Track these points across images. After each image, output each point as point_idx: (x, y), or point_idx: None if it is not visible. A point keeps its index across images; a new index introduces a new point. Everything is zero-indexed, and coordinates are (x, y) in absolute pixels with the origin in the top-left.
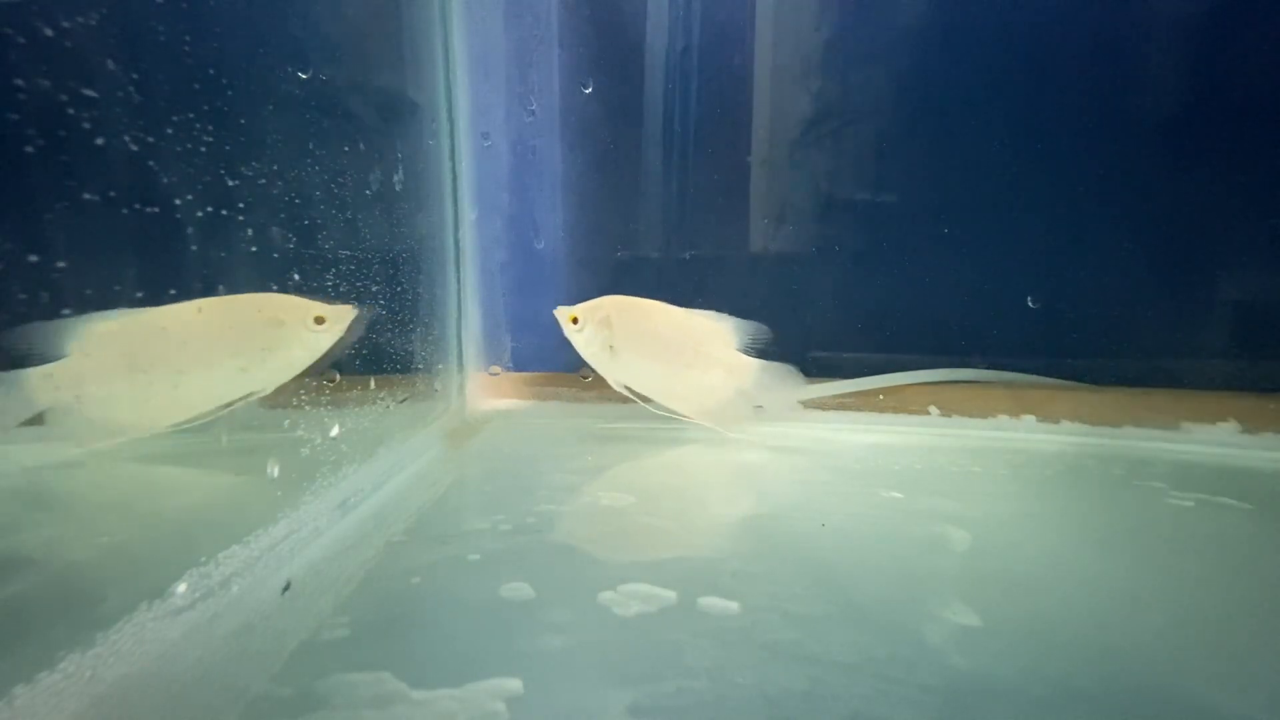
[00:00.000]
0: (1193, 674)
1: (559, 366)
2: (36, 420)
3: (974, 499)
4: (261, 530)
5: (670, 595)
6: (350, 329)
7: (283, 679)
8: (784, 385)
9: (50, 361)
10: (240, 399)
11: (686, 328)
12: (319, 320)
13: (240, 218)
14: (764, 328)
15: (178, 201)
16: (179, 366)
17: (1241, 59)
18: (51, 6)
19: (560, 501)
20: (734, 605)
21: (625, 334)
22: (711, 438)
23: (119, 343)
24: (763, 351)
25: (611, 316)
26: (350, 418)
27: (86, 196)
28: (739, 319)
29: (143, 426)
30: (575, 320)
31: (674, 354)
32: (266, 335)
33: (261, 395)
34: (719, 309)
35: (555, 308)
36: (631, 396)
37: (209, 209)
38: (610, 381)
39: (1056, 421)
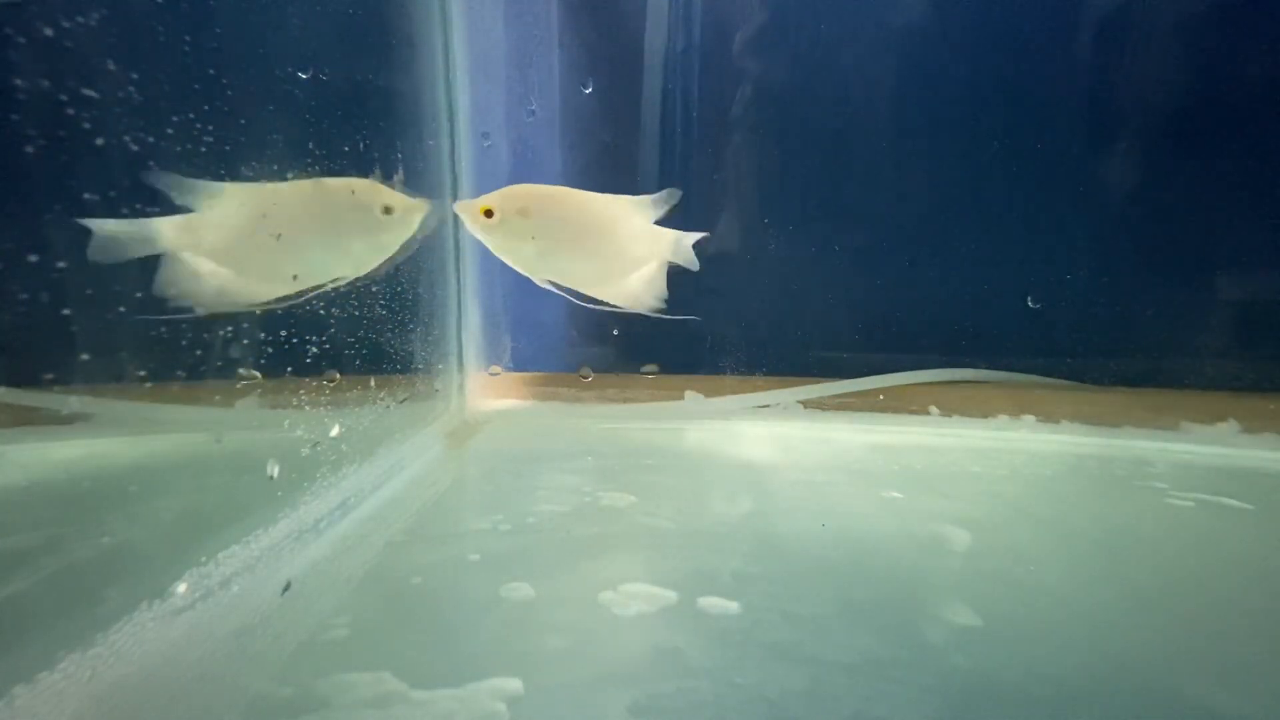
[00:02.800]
0: (1193, 674)
1: (559, 366)
2: (41, 418)
3: (974, 499)
4: (261, 530)
5: (670, 595)
6: (423, 226)
7: (283, 679)
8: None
9: (181, 213)
10: (331, 282)
11: (602, 209)
12: (386, 210)
13: None
14: (675, 191)
15: (178, 202)
16: (288, 239)
17: (1241, 59)
18: (51, 6)
19: (560, 501)
20: (734, 605)
21: (546, 222)
22: (712, 438)
23: (245, 207)
24: (674, 221)
25: (530, 206)
26: (350, 417)
27: (86, 196)
28: (647, 195)
29: (250, 296)
30: (489, 213)
31: (595, 238)
32: (353, 219)
33: (347, 281)
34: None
35: (459, 202)
36: (557, 291)
37: None
38: (534, 279)
39: (1056, 421)
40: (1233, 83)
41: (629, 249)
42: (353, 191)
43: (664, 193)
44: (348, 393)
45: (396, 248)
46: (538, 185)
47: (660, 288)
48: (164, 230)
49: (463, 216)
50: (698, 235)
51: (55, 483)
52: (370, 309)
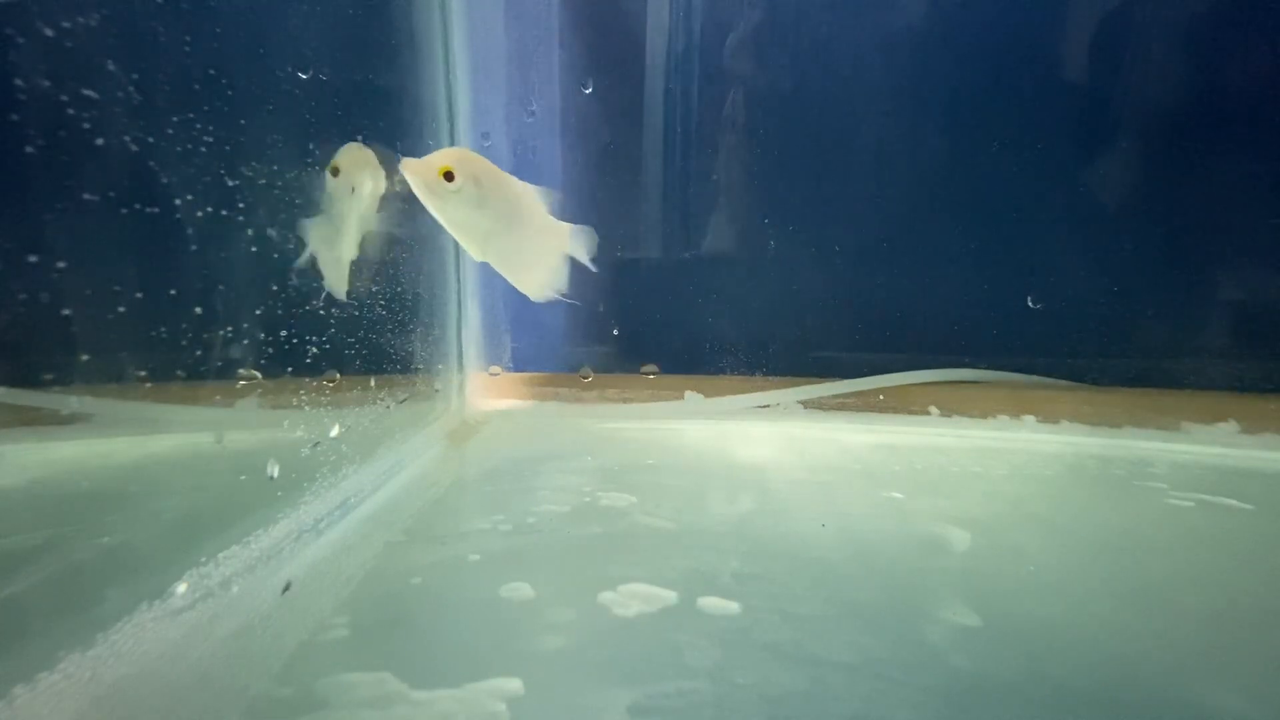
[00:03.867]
0: (1193, 674)
1: (559, 366)
2: (41, 418)
3: (974, 499)
4: (261, 530)
5: (670, 595)
6: (383, 194)
7: (283, 679)
8: (588, 243)
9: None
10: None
11: (522, 192)
12: (334, 172)
13: (240, 218)
14: (551, 190)
15: (178, 201)
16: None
17: (1242, 59)
18: (51, 6)
19: (560, 501)
20: (734, 605)
21: (492, 196)
22: (712, 438)
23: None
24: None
25: (480, 175)
26: (350, 418)
27: (86, 196)
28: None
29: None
30: (450, 175)
31: (522, 220)
32: (328, 190)
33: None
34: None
35: (402, 160)
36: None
37: (209, 209)
38: (482, 257)
39: (1056, 421)
40: (1233, 83)
41: (543, 236)
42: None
43: (545, 189)
44: (348, 393)
45: (354, 215)
46: (470, 151)
47: (562, 278)
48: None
49: (413, 180)
50: (588, 230)
51: (55, 483)
52: (370, 309)
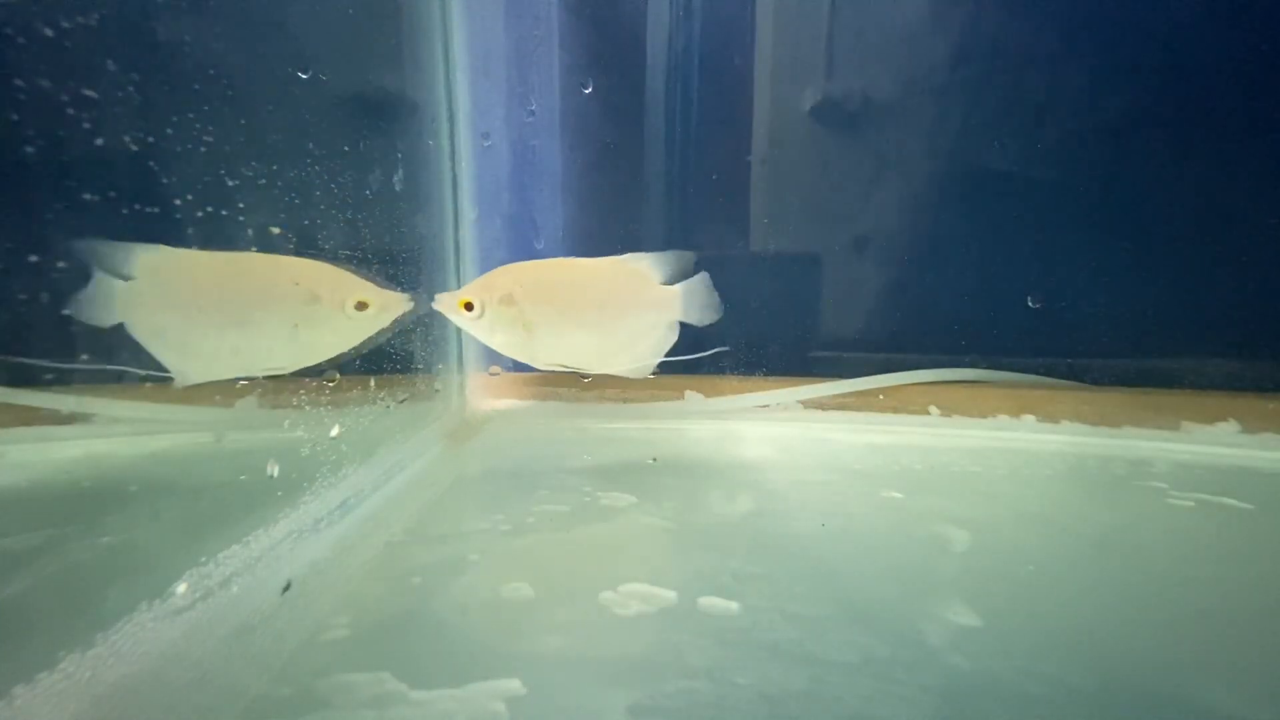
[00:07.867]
0: (1192, 674)
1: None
2: (41, 418)
3: (974, 499)
4: (261, 530)
5: (670, 595)
6: (397, 320)
7: (283, 679)
8: (704, 292)
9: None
10: (262, 373)
11: (605, 278)
12: (360, 306)
13: (240, 218)
14: (688, 255)
15: (177, 202)
16: (218, 319)
17: (1241, 58)
18: (51, 6)
19: (560, 501)
20: (734, 605)
21: (536, 306)
22: (712, 438)
23: (177, 278)
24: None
25: (515, 292)
26: (350, 418)
27: (86, 197)
28: (659, 253)
29: (183, 375)
30: (469, 306)
31: (594, 310)
32: (299, 311)
33: (282, 373)
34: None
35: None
36: (566, 370)
37: (209, 209)
38: (537, 364)
39: (1056, 421)
40: (1233, 82)
41: (633, 316)
42: (296, 280)
43: (673, 254)
44: (348, 393)
45: (357, 344)
46: (525, 264)
47: (663, 348)
48: (119, 295)
49: (444, 312)
50: (700, 282)
51: (55, 483)
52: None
